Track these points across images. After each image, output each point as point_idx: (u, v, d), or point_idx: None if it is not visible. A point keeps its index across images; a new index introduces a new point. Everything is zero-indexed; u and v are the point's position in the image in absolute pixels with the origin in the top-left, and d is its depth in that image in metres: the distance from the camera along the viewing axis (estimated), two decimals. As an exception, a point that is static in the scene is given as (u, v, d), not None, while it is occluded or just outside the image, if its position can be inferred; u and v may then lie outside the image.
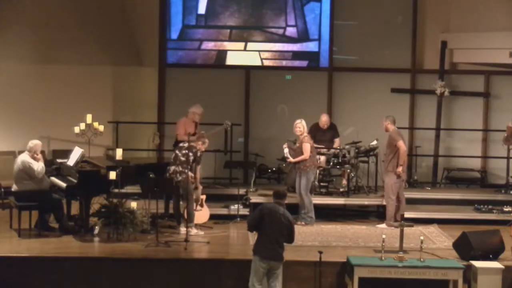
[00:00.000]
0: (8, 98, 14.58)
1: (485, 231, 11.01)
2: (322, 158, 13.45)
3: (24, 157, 11.40)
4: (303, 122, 12.70)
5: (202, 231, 11.77)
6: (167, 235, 11.44)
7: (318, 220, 12.95)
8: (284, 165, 14.49)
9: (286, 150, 12.75)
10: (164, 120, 15.27)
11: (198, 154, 11.80)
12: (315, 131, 13.77)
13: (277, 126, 15.38)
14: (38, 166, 11.37)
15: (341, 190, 13.48)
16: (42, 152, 13.76)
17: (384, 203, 12.71)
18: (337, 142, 13.80)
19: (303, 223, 12.35)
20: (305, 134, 12.66)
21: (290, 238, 9.38)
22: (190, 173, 11.56)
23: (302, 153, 12.54)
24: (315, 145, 13.26)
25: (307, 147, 12.55)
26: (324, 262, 10.01)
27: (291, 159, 12.66)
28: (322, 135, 13.83)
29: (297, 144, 12.75)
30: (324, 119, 13.89)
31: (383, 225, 12.48)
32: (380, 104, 15.31)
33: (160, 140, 14.93)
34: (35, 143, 11.51)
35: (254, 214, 9.47)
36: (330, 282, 10.21)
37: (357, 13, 15.55)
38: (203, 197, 12.27)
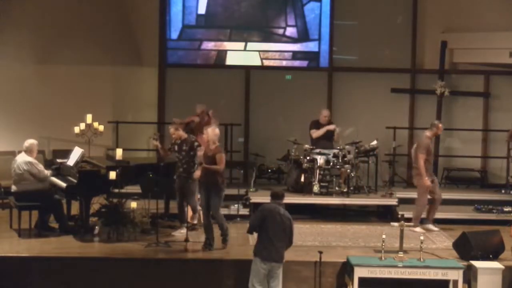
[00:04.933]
0: (8, 98, 14.58)
1: (485, 231, 11.03)
2: (322, 158, 13.41)
3: (26, 158, 11.38)
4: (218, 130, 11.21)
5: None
6: (167, 235, 11.44)
7: (318, 220, 12.97)
8: (284, 165, 14.50)
9: (199, 153, 11.41)
10: (164, 120, 15.26)
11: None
12: (315, 128, 13.75)
13: (277, 126, 15.39)
14: (47, 172, 11.53)
15: (341, 190, 13.47)
16: (42, 152, 13.82)
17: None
18: (336, 131, 13.80)
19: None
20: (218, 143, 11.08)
21: (290, 240, 9.39)
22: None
23: (215, 163, 10.82)
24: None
25: (223, 157, 10.92)
26: (324, 262, 10.03)
27: (204, 165, 10.92)
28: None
29: (199, 151, 11.52)
30: (326, 114, 13.84)
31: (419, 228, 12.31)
32: (380, 104, 15.33)
33: (160, 140, 14.90)
34: (30, 142, 11.52)
35: (255, 216, 9.47)
36: (330, 282, 10.21)
37: (357, 13, 15.56)
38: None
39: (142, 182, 11.17)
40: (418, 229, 12.17)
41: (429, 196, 12.35)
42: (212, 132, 10.94)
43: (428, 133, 12.36)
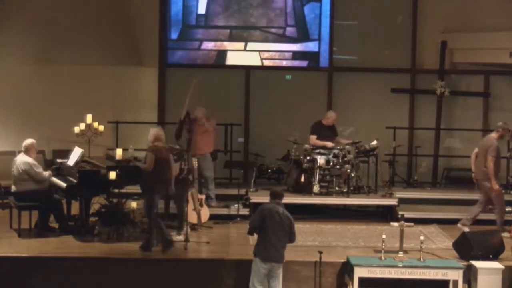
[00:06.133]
0: (8, 98, 14.57)
1: (485, 231, 11.04)
2: (322, 158, 13.40)
3: (25, 159, 11.36)
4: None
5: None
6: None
7: (318, 220, 12.97)
8: (284, 165, 14.50)
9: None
10: (164, 120, 15.26)
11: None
12: (318, 129, 13.71)
13: (277, 126, 15.39)
14: (46, 173, 11.50)
15: (341, 190, 13.46)
16: (42, 152, 13.81)
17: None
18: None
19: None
20: (156, 143, 10.88)
21: (291, 237, 9.39)
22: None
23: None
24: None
25: (149, 157, 10.76)
26: (324, 262, 10.02)
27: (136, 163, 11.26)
28: (324, 133, 13.75)
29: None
30: (333, 117, 13.75)
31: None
32: (380, 104, 15.33)
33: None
34: (28, 142, 11.49)
35: (255, 216, 9.46)
36: (330, 282, 10.21)
37: (357, 13, 15.57)
38: (202, 197, 12.28)
39: (142, 182, 11.16)
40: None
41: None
42: (151, 131, 10.97)
43: (494, 134, 12.15)
